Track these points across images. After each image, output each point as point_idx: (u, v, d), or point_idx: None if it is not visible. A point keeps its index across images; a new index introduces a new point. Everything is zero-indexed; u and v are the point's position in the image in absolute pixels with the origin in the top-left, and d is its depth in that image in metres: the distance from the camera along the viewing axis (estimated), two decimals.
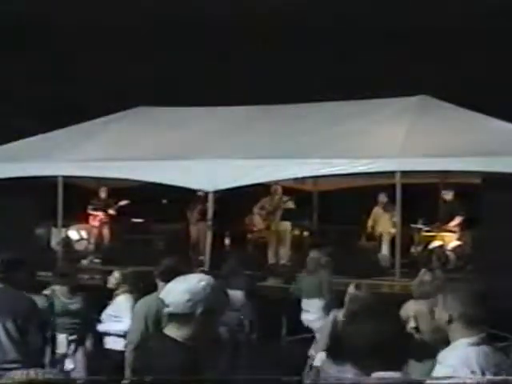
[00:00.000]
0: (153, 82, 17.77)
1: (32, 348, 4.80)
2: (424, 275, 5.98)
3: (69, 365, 6.71)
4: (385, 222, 11.97)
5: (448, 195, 11.23)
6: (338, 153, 10.31)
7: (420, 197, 12.61)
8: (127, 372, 5.20)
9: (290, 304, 9.07)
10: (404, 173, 10.00)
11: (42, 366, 5.06)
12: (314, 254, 9.14)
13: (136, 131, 12.31)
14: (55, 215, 11.69)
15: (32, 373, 2.53)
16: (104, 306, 6.88)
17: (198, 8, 17.43)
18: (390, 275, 10.31)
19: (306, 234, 12.67)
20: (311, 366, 6.76)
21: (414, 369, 4.21)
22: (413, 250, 11.33)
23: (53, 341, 6.34)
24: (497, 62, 16.57)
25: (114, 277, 6.84)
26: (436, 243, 10.96)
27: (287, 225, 12.03)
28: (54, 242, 12.70)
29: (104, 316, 6.81)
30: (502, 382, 2.72)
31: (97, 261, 12.19)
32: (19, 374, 2.63)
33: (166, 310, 2.97)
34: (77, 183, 12.91)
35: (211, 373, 2.97)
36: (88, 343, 6.87)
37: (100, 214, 12.67)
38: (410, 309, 5.41)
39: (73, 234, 12.92)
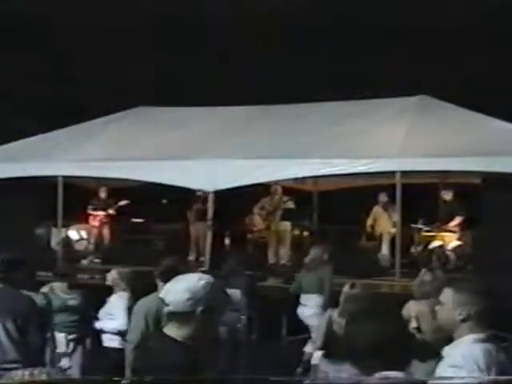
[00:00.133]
0: (153, 82, 17.76)
1: (32, 348, 4.80)
2: (424, 275, 5.99)
3: (66, 363, 6.72)
4: (385, 222, 11.97)
5: (448, 195, 11.23)
6: (338, 153, 10.31)
7: (420, 197, 12.61)
8: (127, 371, 5.20)
9: (290, 304, 9.06)
10: (404, 173, 10.01)
11: (42, 366, 5.06)
12: (315, 251, 9.14)
13: (136, 131, 12.30)
14: (55, 215, 11.69)
15: (30, 373, 2.53)
16: (102, 304, 6.90)
17: (198, 8, 17.43)
18: (390, 275, 10.31)
19: (305, 233, 12.67)
20: (304, 363, 6.79)
21: (417, 369, 4.21)
22: (413, 250, 11.33)
23: (52, 340, 6.35)
24: (497, 61, 16.57)
25: (112, 275, 6.85)
26: (436, 243, 10.96)
27: (287, 225, 12.03)
28: (53, 242, 12.71)
29: (101, 314, 6.83)
30: (506, 382, 2.72)
31: (97, 261, 12.20)
32: (19, 375, 2.63)
33: (166, 309, 2.97)
34: (77, 183, 12.91)
35: (211, 372, 2.96)
36: (87, 342, 6.88)
37: (100, 214, 12.67)
38: (411, 309, 5.42)
39: (73, 233, 12.93)
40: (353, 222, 12.90)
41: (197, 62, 17.93)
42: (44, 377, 2.45)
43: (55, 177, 11.48)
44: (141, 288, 6.32)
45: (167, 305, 2.97)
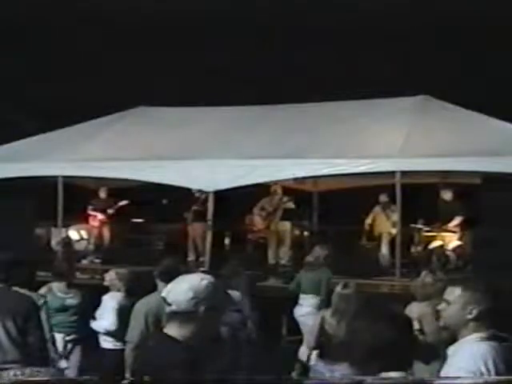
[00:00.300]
0: (153, 82, 17.76)
1: (32, 348, 4.80)
2: (426, 277, 6.00)
3: (63, 364, 6.72)
4: (385, 223, 11.96)
5: (448, 195, 11.22)
6: (338, 153, 10.31)
7: (420, 197, 12.61)
8: (127, 371, 5.21)
9: (291, 304, 9.07)
10: (404, 173, 10.00)
11: (42, 366, 5.06)
12: (318, 251, 9.15)
13: (136, 131, 12.30)
14: (55, 215, 11.68)
15: (21, 372, 2.53)
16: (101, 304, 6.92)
17: (198, 7, 17.43)
18: (390, 275, 10.31)
19: (305, 234, 12.67)
20: (299, 362, 6.81)
21: (421, 371, 4.22)
22: (413, 249, 11.33)
23: (52, 340, 6.35)
24: (497, 61, 16.57)
25: (109, 275, 6.86)
26: (436, 243, 10.95)
27: (287, 225, 12.03)
28: (53, 242, 12.71)
29: (96, 314, 6.84)
30: (506, 382, 2.73)
31: (97, 261, 12.20)
32: (11, 374, 2.63)
33: (168, 308, 2.98)
34: (77, 183, 12.91)
35: (211, 372, 2.96)
36: (85, 342, 6.89)
37: (100, 214, 12.67)
38: (413, 311, 5.42)
39: (73, 233, 12.93)
40: (353, 222, 12.89)
41: (198, 61, 17.93)
42: (36, 376, 2.45)
43: (55, 177, 11.48)
44: (140, 288, 6.33)
45: (169, 304, 2.97)
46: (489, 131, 10.38)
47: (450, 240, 10.89)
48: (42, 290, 6.66)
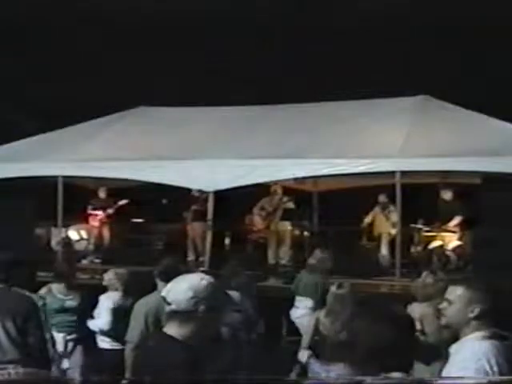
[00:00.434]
0: (153, 82, 17.76)
1: (32, 348, 4.80)
2: (426, 278, 6.00)
3: (65, 364, 6.73)
4: (384, 223, 11.96)
5: (448, 195, 11.22)
6: (338, 153, 10.31)
7: (420, 197, 12.61)
8: (127, 371, 5.21)
9: (290, 304, 9.07)
10: (404, 173, 10.00)
11: (42, 366, 5.06)
12: (317, 254, 9.15)
13: (136, 131, 12.30)
14: (55, 215, 11.68)
15: (7, 373, 2.53)
16: None
17: (198, 7, 17.43)
18: (390, 275, 10.31)
19: (305, 234, 12.67)
20: (298, 363, 6.83)
21: (422, 372, 4.22)
22: (413, 250, 11.32)
23: (52, 341, 6.35)
24: (497, 61, 16.57)
25: (108, 275, 6.86)
26: (436, 243, 10.95)
27: (287, 225, 12.02)
28: (53, 242, 12.71)
29: (94, 313, 6.85)
30: (506, 382, 2.73)
31: (97, 261, 12.20)
32: (5, 373, 2.63)
33: (168, 307, 2.98)
34: (77, 183, 12.91)
35: (211, 372, 2.97)
36: (86, 342, 6.90)
37: (100, 213, 12.67)
38: (414, 311, 5.42)
39: (73, 234, 12.93)
40: (353, 222, 12.89)
41: (197, 62, 17.93)
42: (21, 375, 2.45)
43: (55, 177, 11.48)
44: (139, 288, 6.33)
45: (169, 303, 2.97)
46: (489, 131, 10.38)
47: (450, 240, 10.89)
48: (42, 291, 6.66)
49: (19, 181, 11.39)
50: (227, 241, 12.59)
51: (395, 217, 11.05)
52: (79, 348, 6.84)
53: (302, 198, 13.17)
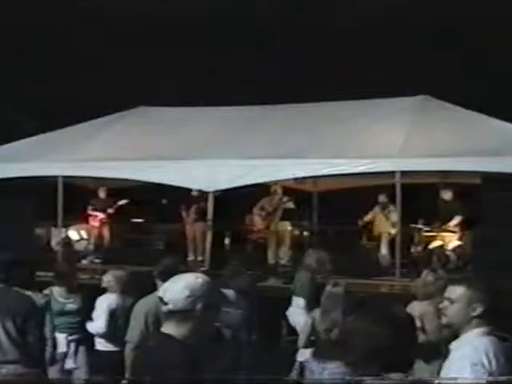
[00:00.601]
0: (153, 82, 17.76)
1: (31, 348, 4.80)
2: (427, 276, 6.01)
3: (69, 364, 6.74)
4: (384, 223, 11.97)
5: (448, 195, 11.22)
6: (338, 153, 10.31)
7: (420, 197, 12.61)
8: (127, 371, 5.21)
9: (290, 304, 9.06)
10: (404, 173, 10.00)
11: (42, 366, 5.07)
12: (309, 253, 9.15)
13: (136, 131, 12.30)
14: (55, 215, 11.68)
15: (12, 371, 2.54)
16: None
17: (198, 7, 17.43)
18: (390, 275, 10.31)
19: (305, 234, 12.67)
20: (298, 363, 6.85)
21: (422, 370, 4.22)
22: (413, 250, 11.33)
23: (52, 340, 6.36)
24: (497, 61, 16.57)
25: (106, 276, 6.85)
26: (436, 243, 10.95)
27: (287, 225, 12.03)
28: (53, 242, 12.71)
29: (92, 315, 6.85)
30: (507, 382, 2.74)
31: (97, 261, 12.19)
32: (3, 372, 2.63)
33: (165, 307, 2.98)
34: (77, 183, 12.91)
35: (211, 372, 2.97)
36: (88, 342, 6.90)
37: (100, 214, 12.67)
38: (414, 310, 5.43)
39: (73, 234, 12.92)
40: (353, 222, 12.89)
41: (197, 62, 17.93)
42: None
43: (55, 177, 11.48)
44: (138, 289, 6.32)
45: (166, 303, 2.98)
46: (489, 131, 10.38)
47: (450, 240, 10.89)
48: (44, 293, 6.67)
49: (19, 181, 11.38)
50: (227, 241, 12.59)
51: (395, 217, 11.05)
52: (82, 349, 6.84)
53: (302, 197, 13.17)
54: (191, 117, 12.62)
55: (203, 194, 11.18)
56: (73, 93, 17.70)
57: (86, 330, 6.83)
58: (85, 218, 12.89)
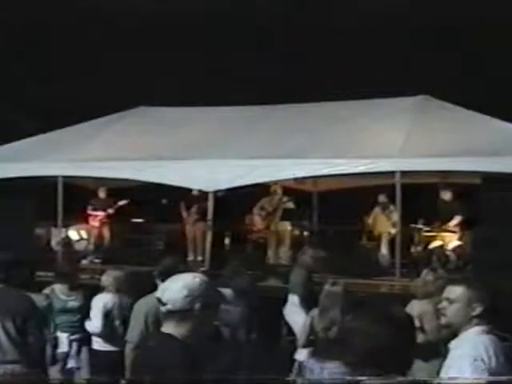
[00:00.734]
0: (153, 82, 17.76)
1: (31, 348, 4.80)
2: (427, 275, 6.02)
3: (72, 364, 6.74)
4: (384, 223, 11.96)
5: (448, 195, 11.22)
6: (338, 153, 10.31)
7: (420, 197, 12.61)
8: (127, 371, 5.21)
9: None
10: (404, 173, 10.00)
11: (42, 366, 5.07)
12: (305, 251, 9.16)
13: (136, 131, 12.30)
14: (55, 215, 11.68)
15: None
16: None
17: (198, 7, 17.43)
18: (390, 275, 10.31)
19: (305, 234, 12.67)
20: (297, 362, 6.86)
21: (420, 369, 4.22)
22: (413, 249, 11.33)
23: (55, 340, 6.37)
24: (497, 61, 16.57)
25: (105, 277, 6.85)
26: (436, 243, 10.95)
27: (287, 225, 12.03)
28: (53, 242, 12.71)
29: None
30: (507, 382, 2.74)
31: (97, 261, 12.19)
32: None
33: (164, 307, 2.98)
34: (77, 183, 12.91)
35: (211, 371, 2.97)
36: (89, 342, 6.90)
37: (100, 214, 12.67)
38: (414, 309, 5.43)
39: (73, 234, 12.92)
40: (353, 222, 12.89)
41: (197, 62, 17.93)
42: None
43: (55, 177, 11.48)
44: (137, 289, 6.32)
45: (164, 304, 2.98)
46: (489, 131, 10.38)
47: (450, 240, 10.89)
48: (45, 292, 6.67)
49: (19, 181, 11.38)
50: (227, 241, 12.58)
51: (395, 217, 11.05)
52: (84, 349, 6.84)
53: (302, 197, 13.17)
54: (191, 117, 12.62)
55: (204, 194, 11.17)
56: (73, 93, 17.69)
57: (86, 330, 6.84)
58: (85, 218, 12.89)
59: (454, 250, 10.74)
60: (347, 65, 17.28)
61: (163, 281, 5.16)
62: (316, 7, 17.41)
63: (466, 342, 3.11)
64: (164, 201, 14.08)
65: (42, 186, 11.70)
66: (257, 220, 11.98)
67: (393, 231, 11.40)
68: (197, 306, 2.96)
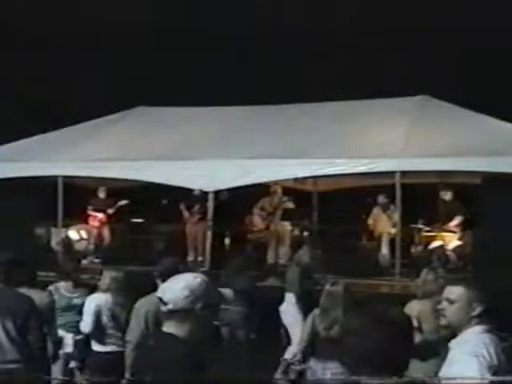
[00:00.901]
0: (153, 82, 17.76)
1: (32, 348, 4.80)
2: (427, 275, 6.03)
3: (75, 364, 6.74)
4: (384, 223, 11.96)
5: (448, 195, 11.22)
6: (338, 153, 10.31)
7: (420, 197, 12.60)
8: (127, 371, 5.21)
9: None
10: (404, 173, 10.00)
11: (42, 366, 5.06)
12: (302, 250, 9.18)
13: (136, 131, 12.30)
14: (55, 215, 11.68)
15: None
16: None
17: (198, 7, 17.43)
18: (390, 275, 10.31)
19: (305, 234, 12.66)
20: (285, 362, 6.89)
21: (418, 368, 4.22)
22: (413, 250, 11.33)
23: (55, 340, 6.36)
24: (497, 61, 16.57)
25: (104, 277, 6.84)
26: (436, 243, 10.96)
27: (287, 225, 12.03)
28: (53, 242, 12.70)
29: None
30: (507, 382, 2.74)
31: (97, 261, 12.19)
32: None
33: (165, 307, 2.98)
34: (77, 183, 12.90)
35: (212, 370, 2.97)
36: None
37: (100, 214, 12.67)
38: (413, 309, 5.44)
39: (73, 234, 12.91)
40: (353, 222, 12.89)
41: (197, 62, 17.93)
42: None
43: (55, 177, 11.48)
44: (134, 289, 6.32)
45: (165, 303, 2.98)
46: (489, 131, 10.38)
47: (450, 240, 10.90)
48: (49, 289, 6.67)
49: (19, 181, 11.38)
50: (227, 241, 12.58)
51: (396, 217, 11.05)
52: (88, 349, 6.83)
53: (302, 197, 13.17)
54: (191, 117, 12.62)
55: (205, 194, 11.17)
56: (73, 93, 17.69)
57: None
58: (85, 218, 12.89)
59: (454, 250, 10.74)
60: (347, 65, 17.28)
61: (163, 281, 5.17)
62: (316, 7, 17.41)
63: (467, 340, 3.11)
64: (164, 201, 14.08)
65: (41, 186, 11.69)
66: (257, 220, 11.98)
67: (393, 231, 11.40)
68: (198, 306, 2.96)
